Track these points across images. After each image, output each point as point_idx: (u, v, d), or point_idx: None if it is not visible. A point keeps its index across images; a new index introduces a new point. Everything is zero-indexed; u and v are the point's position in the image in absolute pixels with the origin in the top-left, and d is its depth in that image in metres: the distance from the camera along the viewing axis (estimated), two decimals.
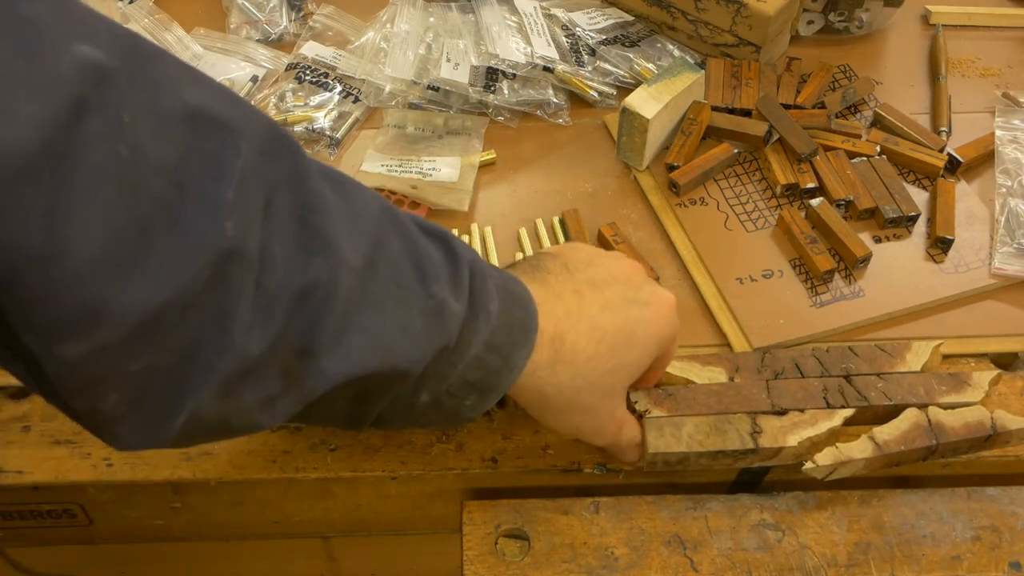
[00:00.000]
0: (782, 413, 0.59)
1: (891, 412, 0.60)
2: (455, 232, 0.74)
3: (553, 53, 0.85)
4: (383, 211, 0.44)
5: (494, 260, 0.73)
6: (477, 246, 0.74)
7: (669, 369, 0.62)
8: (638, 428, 0.57)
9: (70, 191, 0.31)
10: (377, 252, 0.42)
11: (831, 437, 0.60)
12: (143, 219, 0.34)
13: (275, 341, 0.39)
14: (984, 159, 0.81)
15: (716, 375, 0.63)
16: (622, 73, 0.87)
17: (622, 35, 0.89)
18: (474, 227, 0.75)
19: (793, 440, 0.58)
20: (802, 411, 0.61)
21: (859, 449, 0.58)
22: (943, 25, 0.94)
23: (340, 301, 0.40)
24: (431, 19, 0.89)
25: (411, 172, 0.78)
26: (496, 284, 0.48)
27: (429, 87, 0.83)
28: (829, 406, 0.59)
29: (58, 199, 0.31)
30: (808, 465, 0.58)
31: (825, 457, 0.58)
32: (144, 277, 0.34)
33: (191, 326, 0.36)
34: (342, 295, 0.40)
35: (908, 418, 0.60)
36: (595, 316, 0.51)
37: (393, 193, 0.77)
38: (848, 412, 0.61)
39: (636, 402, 0.58)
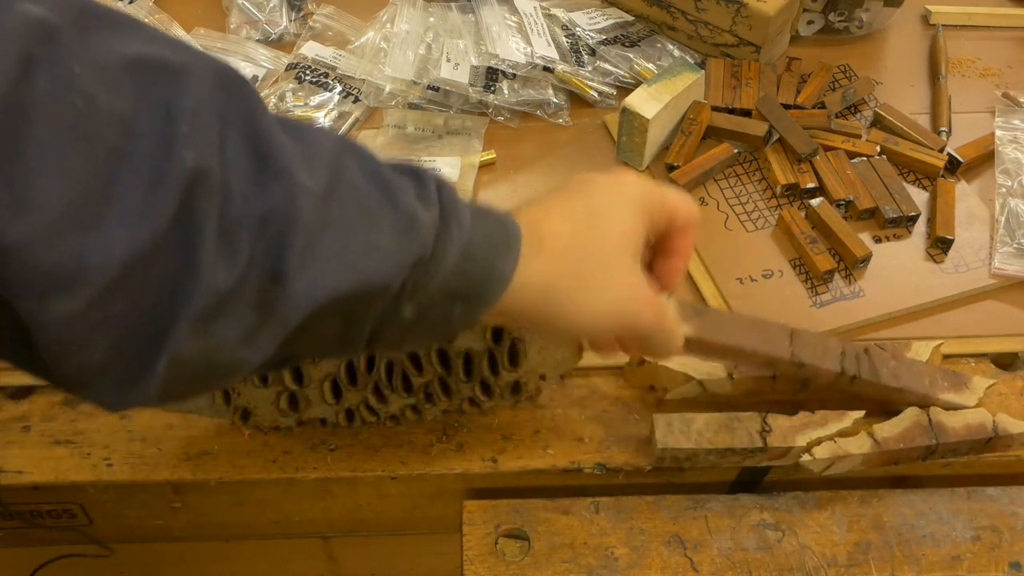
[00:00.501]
0: (801, 366, 0.58)
1: (892, 394, 0.60)
2: None
3: (553, 53, 0.85)
4: (340, 145, 0.44)
5: None
6: None
7: (668, 364, 0.62)
8: (675, 311, 0.55)
9: (30, 145, 0.32)
10: (337, 178, 0.43)
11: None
12: (105, 167, 0.35)
13: (243, 271, 0.39)
14: (984, 159, 0.81)
15: (715, 370, 0.63)
16: (622, 73, 0.87)
17: (622, 35, 0.89)
18: None
19: (802, 440, 0.58)
20: (813, 413, 0.61)
21: (857, 445, 0.58)
22: (943, 25, 0.94)
23: (302, 225, 0.40)
24: (431, 19, 0.89)
25: None
26: (465, 201, 0.48)
27: (429, 87, 0.83)
28: (843, 370, 0.59)
29: (20, 154, 0.32)
30: (805, 457, 0.58)
31: (823, 451, 0.58)
32: (117, 224, 0.35)
33: (163, 265, 0.37)
34: (304, 219, 0.40)
35: (909, 416, 0.60)
36: (559, 202, 0.51)
37: None
38: (858, 414, 0.61)
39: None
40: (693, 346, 0.55)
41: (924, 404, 0.61)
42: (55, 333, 0.35)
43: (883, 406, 0.63)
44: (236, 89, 0.40)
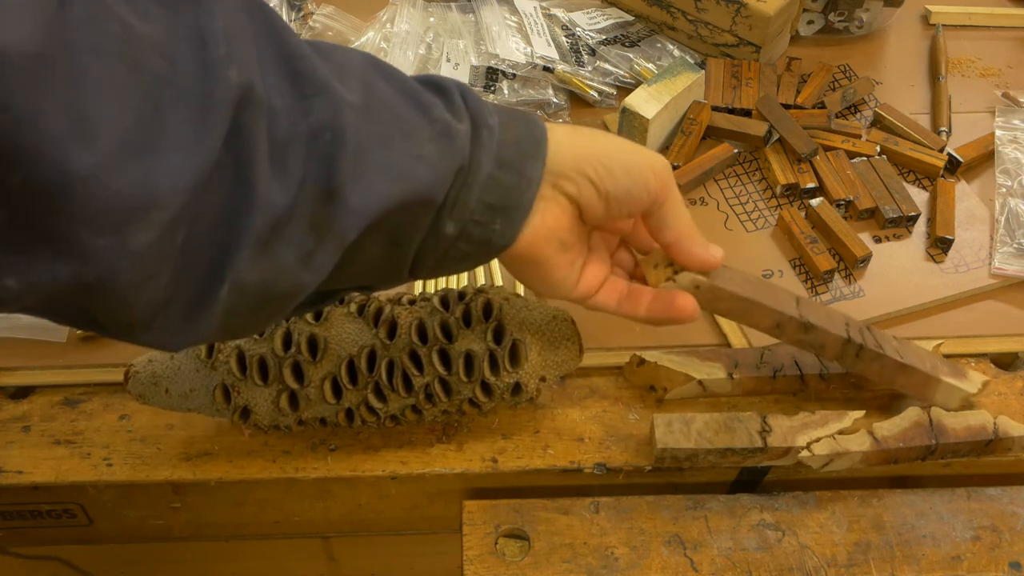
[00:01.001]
0: (808, 328, 0.57)
1: (898, 373, 0.60)
2: None
3: (553, 53, 0.85)
4: (366, 59, 0.45)
5: (494, 260, 0.73)
6: None
7: (668, 364, 0.62)
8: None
9: (80, 72, 0.32)
10: (370, 93, 0.43)
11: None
12: (153, 93, 0.35)
13: (298, 188, 0.39)
14: (984, 159, 0.81)
15: (715, 370, 0.63)
16: (622, 73, 0.87)
17: (622, 35, 0.89)
18: None
19: (802, 440, 0.58)
20: (813, 413, 0.61)
21: (857, 442, 0.59)
22: (943, 25, 0.94)
23: (350, 137, 0.40)
24: (431, 19, 0.89)
25: None
26: (493, 104, 0.48)
27: None
28: (849, 338, 0.58)
29: (73, 81, 0.32)
30: (804, 454, 0.58)
31: (822, 447, 0.58)
32: (175, 149, 0.35)
33: (219, 189, 0.37)
34: (351, 132, 0.41)
35: (909, 416, 0.60)
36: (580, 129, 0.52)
37: None
38: (858, 413, 0.61)
39: (657, 264, 0.56)
40: (704, 292, 0.55)
41: (928, 385, 0.60)
42: (131, 269, 0.35)
43: (888, 390, 0.63)
44: (259, 11, 0.40)
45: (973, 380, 0.62)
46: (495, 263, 0.73)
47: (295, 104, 0.39)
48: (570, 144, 0.49)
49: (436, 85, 0.47)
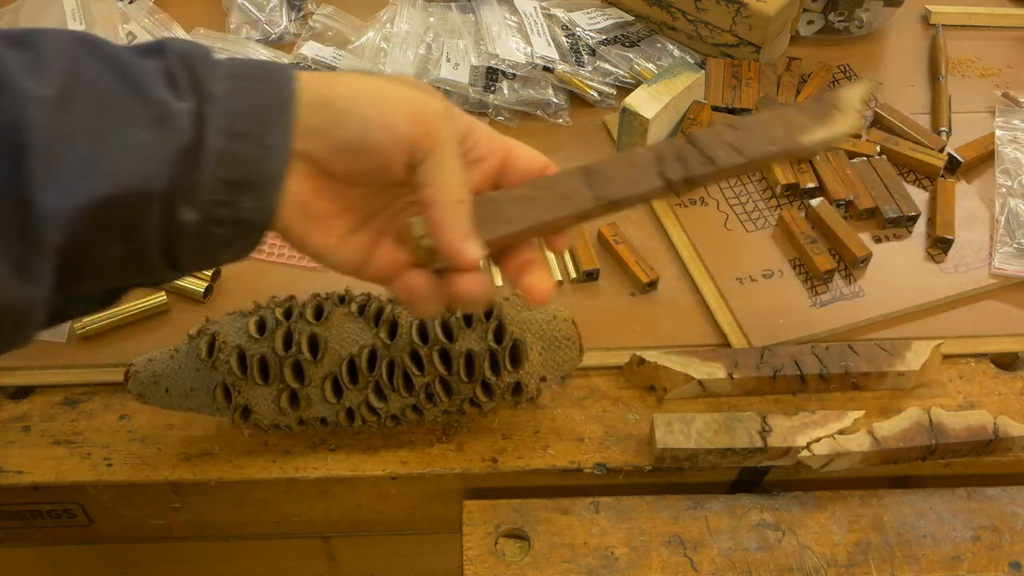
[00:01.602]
0: (601, 201, 0.47)
1: (744, 168, 0.49)
2: None
3: (553, 53, 0.85)
4: (77, 42, 0.42)
5: None
6: None
7: (668, 364, 0.62)
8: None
9: None
10: (74, 81, 0.40)
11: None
12: None
13: None
14: (984, 159, 0.81)
15: (715, 370, 0.63)
16: (622, 73, 0.87)
17: (622, 35, 0.89)
18: None
19: (802, 440, 0.58)
20: (813, 413, 0.61)
21: (857, 442, 0.59)
22: (943, 25, 0.94)
23: (37, 136, 0.38)
24: (431, 19, 0.89)
25: None
26: (227, 66, 0.43)
27: None
28: (667, 182, 0.47)
29: None
30: (804, 454, 0.58)
31: (822, 447, 0.58)
32: None
33: None
34: (37, 130, 0.38)
35: (909, 416, 0.60)
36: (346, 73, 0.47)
37: None
38: (858, 413, 0.61)
39: (423, 236, 0.45)
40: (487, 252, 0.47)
41: (790, 155, 0.50)
42: None
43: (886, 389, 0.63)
44: None
45: (846, 112, 0.50)
46: None
47: None
48: (315, 96, 0.44)
49: (160, 49, 0.43)
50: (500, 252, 0.48)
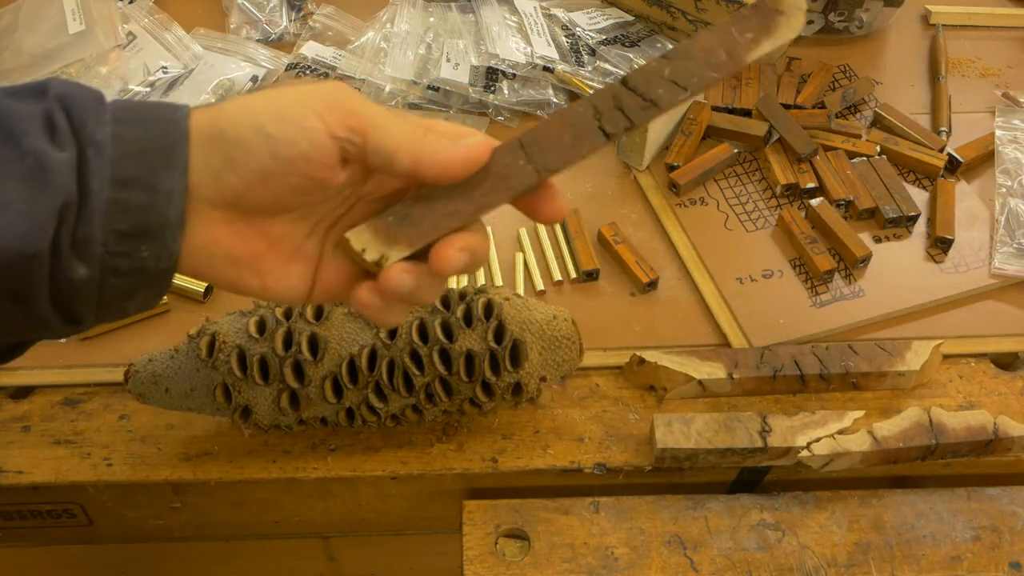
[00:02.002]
0: (544, 173, 0.44)
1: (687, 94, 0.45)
2: None
3: (553, 53, 0.85)
4: None
5: (494, 260, 0.73)
6: None
7: (668, 364, 0.62)
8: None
9: None
10: None
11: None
12: None
13: None
14: (984, 159, 0.81)
15: (715, 370, 0.63)
16: (622, 73, 0.86)
17: (622, 35, 0.89)
18: None
19: (802, 440, 0.58)
20: (813, 413, 0.61)
21: (857, 442, 0.59)
22: (943, 25, 0.94)
23: None
24: (431, 19, 0.89)
25: None
26: (114, 109, 0.40)
27: (429, 87, 0.83)
28: (607, 134, 0.44)
29: None
30: (804, 454, 0.58)
31: (822, 447, 0.58)
32: None
33: None
34: None
35: (909, 416, 0.60)
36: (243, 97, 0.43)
37: None
38: (858, 413, 0.61)
39: (364, 250, 0.42)
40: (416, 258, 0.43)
41: (733, 69, 0.46)
42: None
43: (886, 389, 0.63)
44: None
45: (789, 15, 0.46)
46: (492, 250, 0.73)
47: None
48: (208, 132, 0.40)
49: (41, 93, 0.40)
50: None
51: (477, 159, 0.42)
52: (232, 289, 0.44)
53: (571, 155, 0.44)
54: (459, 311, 0.57)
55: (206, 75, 0.86)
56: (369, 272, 0.43)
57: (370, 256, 0.42)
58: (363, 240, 0.42)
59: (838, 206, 0.75)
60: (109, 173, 0.38)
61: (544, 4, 0.91)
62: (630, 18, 0.91)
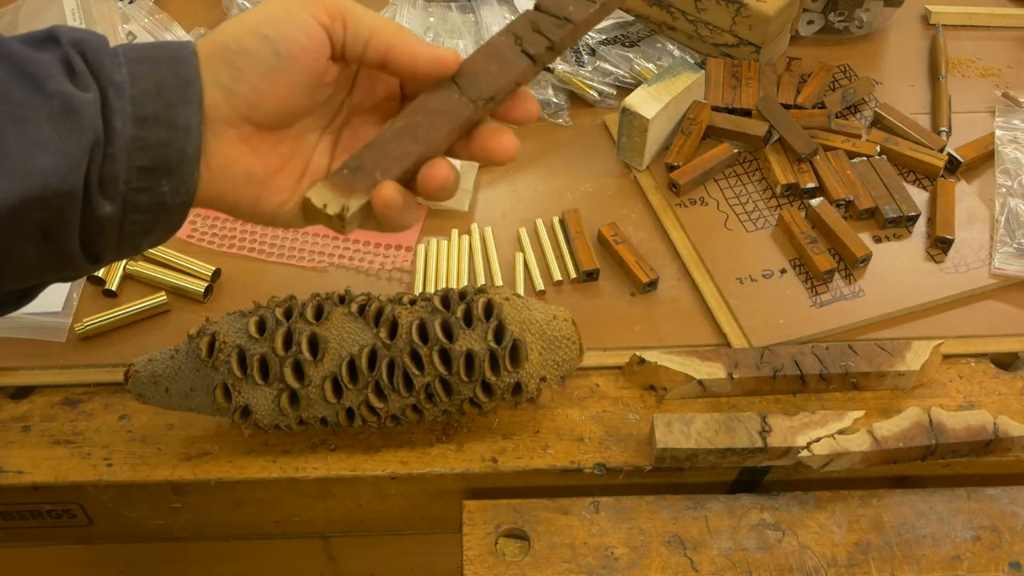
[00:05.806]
0: (479, 103, 0.47)
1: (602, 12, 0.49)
2: (455, 232, 0.74)
3: None
4: None
5: (494, 260, 0.73)
6: (477, 246, 0.74)
7: (668, 364, 0.62)
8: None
9: None
10: None
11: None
12: None
13: None
14: (984, 159, 0.81)
15: (715, 370, 0.63)
16: (622, 73, 0.87)
17: (622, 35, 0.89)
18: (474, 227, 0.75)
19: (802, 440, 0.58)
20: (813, 413, 0.61)
21: (857, 442, 0.59)
22: (943, 25, 0.94)
23: None
24: (431, 19, 0.89)
25: None
26: (125, 51, 0.42)
27: None
28: (531, 57, 0.47)
29: None
30: (804, 454, 0.58)
31: (822, 447, 0.58)
32: None
33: None
34: None
35: (909, 416, 0.60)
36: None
37: None
38: (858, 413, 0.61)
39: (325, 205, 0.45)
40: (390, 194, 0.45)
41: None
42: None
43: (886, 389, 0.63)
44: None
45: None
46: (492, 250, 0.73)
47: None
48: (211, 50, 0.42)
49: (52, 41, 0.41)
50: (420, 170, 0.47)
51: (446, 58, 0.45)
52: (254, 213, 0.46)
53: (500, 82, 0.47)
54: (459, 311, 0.57)
55: None
56: (335, 230, 0.46)
57: (331, 209, 0.44)
58: (323, 196, 0.45)
59: (838, 206, 0.75)
60: (130, 111, 0.40)
61: None
62: (630, 18, 0.91)
